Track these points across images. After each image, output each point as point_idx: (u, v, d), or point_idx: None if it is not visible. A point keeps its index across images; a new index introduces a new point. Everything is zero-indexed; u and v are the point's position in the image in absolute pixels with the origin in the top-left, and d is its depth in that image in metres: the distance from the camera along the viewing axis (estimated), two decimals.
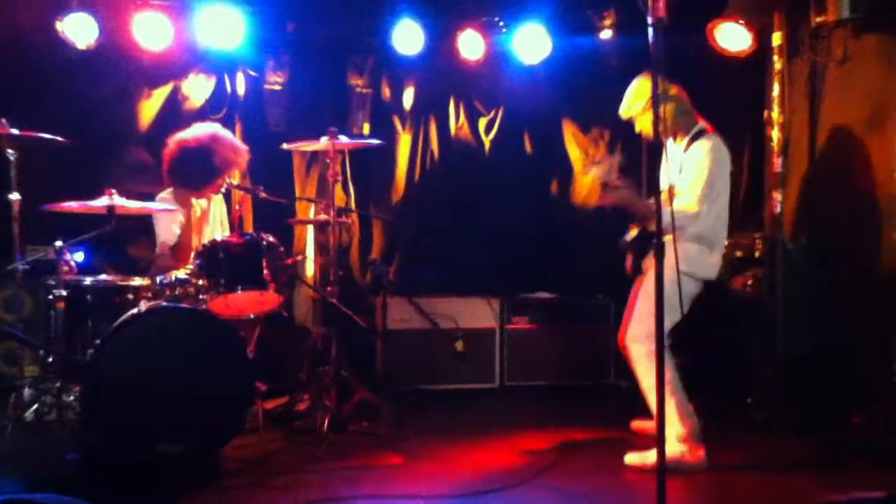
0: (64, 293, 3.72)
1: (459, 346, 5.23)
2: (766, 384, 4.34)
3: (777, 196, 4.34)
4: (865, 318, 3.97)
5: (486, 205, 5.84)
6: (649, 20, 2.50)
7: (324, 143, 4.29)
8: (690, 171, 3.68)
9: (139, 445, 3.38)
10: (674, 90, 3.76)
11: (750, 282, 4.49)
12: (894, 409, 3.74)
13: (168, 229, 4.35)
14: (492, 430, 4.32)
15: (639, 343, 3.71)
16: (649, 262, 3.68)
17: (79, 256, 4.32)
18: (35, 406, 3.75)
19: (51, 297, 3.76)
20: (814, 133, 4.22)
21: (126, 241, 4.61)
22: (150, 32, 4.91)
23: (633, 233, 3.89)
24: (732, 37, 4.30)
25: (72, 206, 3.70)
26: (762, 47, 4.34)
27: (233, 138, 4.57)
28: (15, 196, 3.80)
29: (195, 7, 4.95)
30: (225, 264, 3.84)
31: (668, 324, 3.53)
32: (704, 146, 3.69)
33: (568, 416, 4.64)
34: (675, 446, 3.54)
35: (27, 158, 3.87)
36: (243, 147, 4.60)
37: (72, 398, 3.65)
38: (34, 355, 4.04)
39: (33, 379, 3.90)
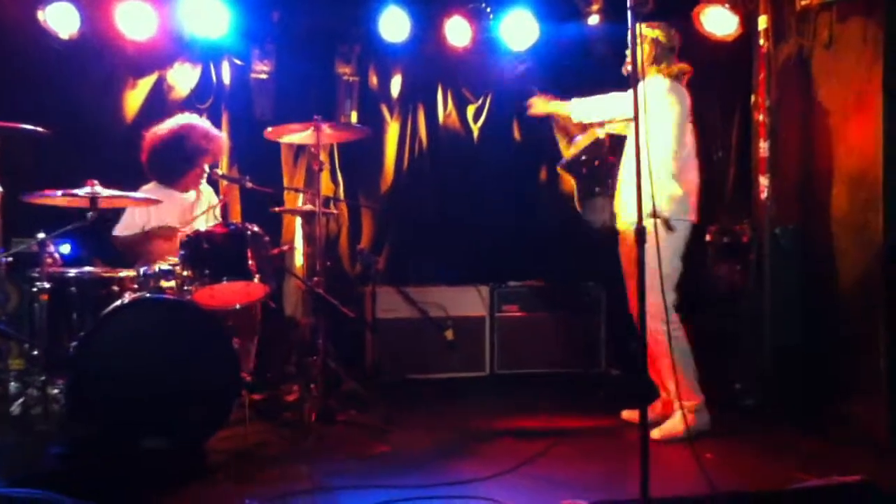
0: (48, 286, 3.71)
1: (449, 334, 5.23)
2: (753, 372, 4.34)
3: (764, 181, 4.32)
4: (853, 307, 3.96)
5: (475, 192, 5.82)
6: (628, 3, 2.48)
7: (308, 133, 4.25)
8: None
9: (124, 438, 3.37)
10: (654, 35, 3.89)
11: (738, 268, 4.49)
12: (881, 398, 3.74)
13: (130, 222, 4.35)
14: (481, 419, 4.32)
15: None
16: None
17: (65, 249, 4.29)
18: (21, 399, 3.74)
19: (35, 289, 3.74)
20: (801, 117, 4.19)
21: (111, 231, 4.57)
22: (134, 21, 4.86)
23: (571, 150, 3.99)
24: (718, 21, 4.27)
25: (53, 196, 3.67)
26: (748, 31, 4.32)
27: (208, 126, 4.53)
28: None
29: None
30: (209, 255, 3.81)
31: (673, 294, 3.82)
32: (664, 83, 3.83)
33: (558, 404, 4.64)
34: (692, 416, 3.75)
35: (10, 150, 3.83)
36: (219, 135, 4.57)
37: (56, 391, 3.64)
38: (19, 348, 4.02)
39: (18, 372, 3.88)
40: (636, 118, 2.56)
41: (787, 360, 4.26)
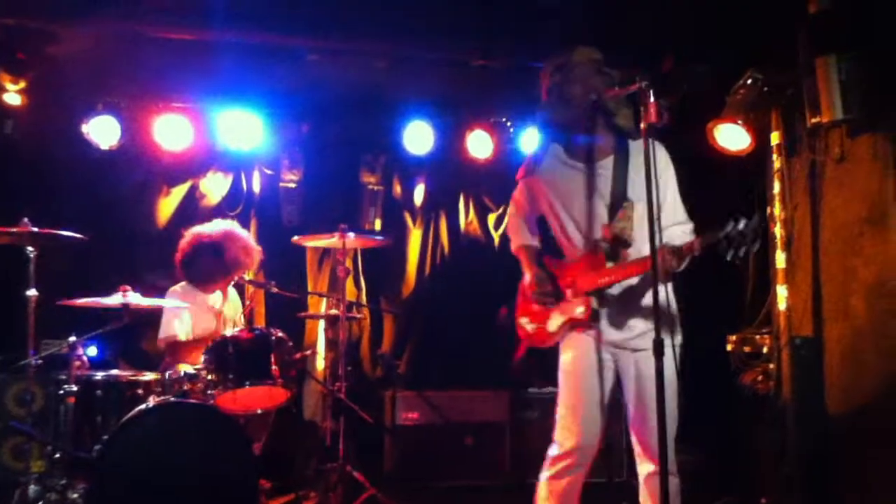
0: (74, 388, 3.76)
1: (469, 440, 5.18)
2: (778, 482, 4.25)
3: (782, 291, 4.35)
4: (876, 415, 3.91)
5: (496, 298, 5.86)
6: (642, 124, 2.61)
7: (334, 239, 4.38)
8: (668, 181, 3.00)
9: None
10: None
11: (760, 378, 4.46)
12: None
13: (170, 325, 4.38)
14: None
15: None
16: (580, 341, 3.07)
17: (92, 351, 4.37)
18: (39, 503, 3.73)
19: (62, 392, 3.79)
20: (816, 230, 4.26)
21: (139, 335, 4.67)
22: (171, 134, 5.13)
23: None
24: (732, 137, 4.40)
25: (86, 301, 3.78)
26: (762, 145, 4.44)
27: (247, 238, 4.64)
28: (32, 292, 3.88)
29: (214, 110, 5.17)
30: (234, 359, 3.87)
31: None
32: (663, 149, 3.02)
33: None
34: None
35: (46, 254, 3.98)
36: (257, 248, 4.66)
37: (76, 495, 3.64)
38: (41, 450, 4.04)
39: (39, 475, 3.89)
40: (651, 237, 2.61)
41: (812, 469, 4.17)
